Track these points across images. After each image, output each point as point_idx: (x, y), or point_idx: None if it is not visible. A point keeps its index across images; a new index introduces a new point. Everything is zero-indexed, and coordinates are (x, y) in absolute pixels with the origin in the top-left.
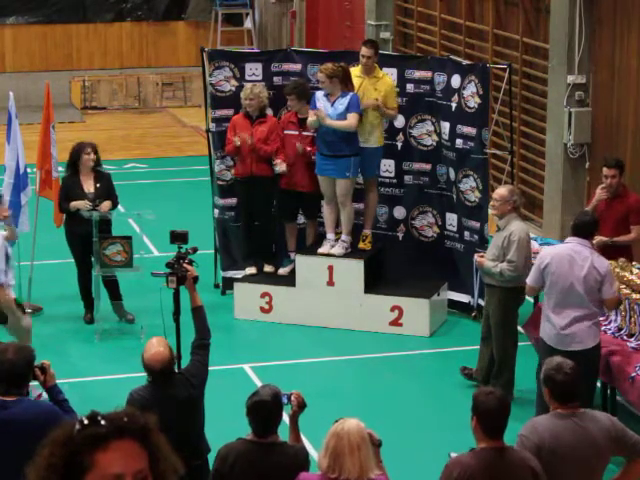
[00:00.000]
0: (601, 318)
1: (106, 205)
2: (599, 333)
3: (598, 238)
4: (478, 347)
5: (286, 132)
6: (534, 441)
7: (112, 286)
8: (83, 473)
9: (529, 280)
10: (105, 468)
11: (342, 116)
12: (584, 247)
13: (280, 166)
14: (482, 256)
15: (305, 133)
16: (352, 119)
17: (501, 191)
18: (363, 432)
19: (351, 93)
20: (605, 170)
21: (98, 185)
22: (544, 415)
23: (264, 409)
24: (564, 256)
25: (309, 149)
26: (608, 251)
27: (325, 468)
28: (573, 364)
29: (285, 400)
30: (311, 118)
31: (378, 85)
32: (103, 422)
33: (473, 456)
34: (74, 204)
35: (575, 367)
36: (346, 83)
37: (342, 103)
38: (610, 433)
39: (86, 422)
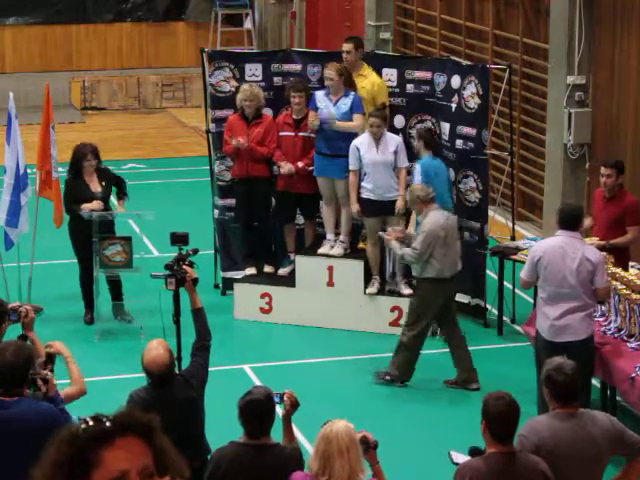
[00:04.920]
0: (601, 319)
1: (120, 205)
2: (593, 325)
3: (595, 242)
4: (477, 347)
5: (282, 134)
6: (533, 441)
7: (115, 286)
8: (89, 470)
9: (523, 274)
10: (111, 464)
11: (346, 116)
12: (574, 239)
13: (286, 168)
14: (395, 236)
15: (301, 134)
16: (359, 120)
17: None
18: (352, 434)
19: (353, 93)
20: (602, 169)
21: (104, 183)
22: (544, 415)
23: (256, 410)
24: (556, 249)
25: (301, 165)
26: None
27: (315, 471)
28: (573, 364)
29: (278, 400)
30: (312, 119)
31: (364, 83)
32: (107, 421)
33: (483, 460)
34: (86, 206)
35: (575, 367)
36: (349, 82)
37: (345, 103)
38: (610, 433)
39: (91, 422)
